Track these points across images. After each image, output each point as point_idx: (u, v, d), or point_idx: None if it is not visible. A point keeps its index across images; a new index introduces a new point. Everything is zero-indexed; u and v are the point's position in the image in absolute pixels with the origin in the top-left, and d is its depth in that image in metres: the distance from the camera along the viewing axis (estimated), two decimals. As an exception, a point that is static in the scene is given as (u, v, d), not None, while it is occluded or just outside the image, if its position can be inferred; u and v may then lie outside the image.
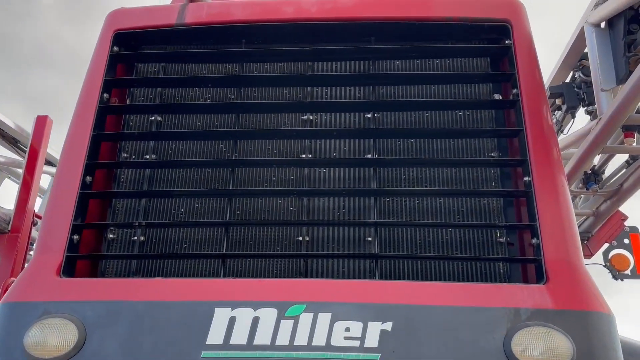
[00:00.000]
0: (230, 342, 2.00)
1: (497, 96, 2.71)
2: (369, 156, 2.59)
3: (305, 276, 2.40)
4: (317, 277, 2.41)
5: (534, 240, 2.30)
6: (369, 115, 2.67)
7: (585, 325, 2.03)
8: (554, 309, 2.05)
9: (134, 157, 2.71)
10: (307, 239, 2.48)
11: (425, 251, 2.44)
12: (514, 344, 1.97)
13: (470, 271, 2.40)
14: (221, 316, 2.04)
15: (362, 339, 2.00)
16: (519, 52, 2.66)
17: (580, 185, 4.50)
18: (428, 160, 2.59)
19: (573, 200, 4.80)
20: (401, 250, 2.44)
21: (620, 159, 4.38)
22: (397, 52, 2.77)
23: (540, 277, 2.19)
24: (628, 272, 5.13)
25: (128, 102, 2.81)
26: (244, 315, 2.04)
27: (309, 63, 2.80)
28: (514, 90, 2.59)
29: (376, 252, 2.38)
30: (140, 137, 2.72)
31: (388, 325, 2.01)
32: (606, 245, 5.19)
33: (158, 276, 2.45)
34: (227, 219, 2.48)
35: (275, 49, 2.75)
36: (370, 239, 2.44)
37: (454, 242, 2.46)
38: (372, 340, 1.99)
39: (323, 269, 2.42)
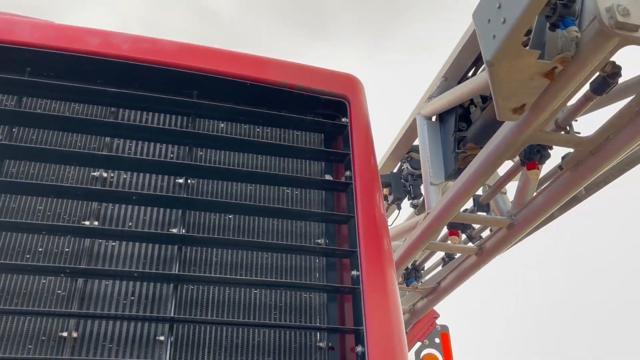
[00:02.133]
0: None
1: (328, 177, 2.45)
2: (174, 231, 2.09)
3: (64, 389, 1.76)
4: (80, 390, 1.78)
5: (359, 348, 1.98)
6: (181, 181, 2.20)
7: None
8: None
9: None
10: (75, 335, 1.85)
11: (231, 357, 1.96)
12: None
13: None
14: None
15: None
16: (355, 132, 2.46)
17: (400, 280, 4.40)
18: (245, 242, 2.17)
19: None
20: (202, 356, 1.93)
21: (439, 255, 4.38)
22: (222, 112, 2.37)
23: (364, 394, 1.85)
24: (437, 373, 5.08)
25: None
26: None
27: (112, 109, 2.26)
28: (347, 173, 2.35)
29: (168, 358, 1.83)
30: None
31: None
32: (419, 343, 5.13)
33: None
34: (-44, 303, 1.76)
35: (68, 84, 2.17)
36: (162, 338, 1.90)
37: (267, 345, 2.03)
38: None
39: (91, 379, 1.80)
